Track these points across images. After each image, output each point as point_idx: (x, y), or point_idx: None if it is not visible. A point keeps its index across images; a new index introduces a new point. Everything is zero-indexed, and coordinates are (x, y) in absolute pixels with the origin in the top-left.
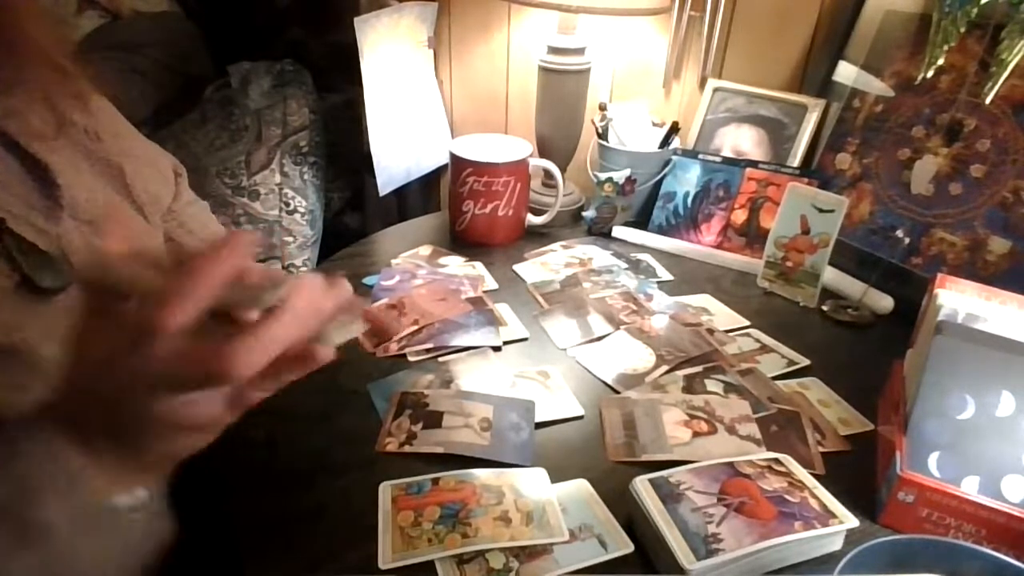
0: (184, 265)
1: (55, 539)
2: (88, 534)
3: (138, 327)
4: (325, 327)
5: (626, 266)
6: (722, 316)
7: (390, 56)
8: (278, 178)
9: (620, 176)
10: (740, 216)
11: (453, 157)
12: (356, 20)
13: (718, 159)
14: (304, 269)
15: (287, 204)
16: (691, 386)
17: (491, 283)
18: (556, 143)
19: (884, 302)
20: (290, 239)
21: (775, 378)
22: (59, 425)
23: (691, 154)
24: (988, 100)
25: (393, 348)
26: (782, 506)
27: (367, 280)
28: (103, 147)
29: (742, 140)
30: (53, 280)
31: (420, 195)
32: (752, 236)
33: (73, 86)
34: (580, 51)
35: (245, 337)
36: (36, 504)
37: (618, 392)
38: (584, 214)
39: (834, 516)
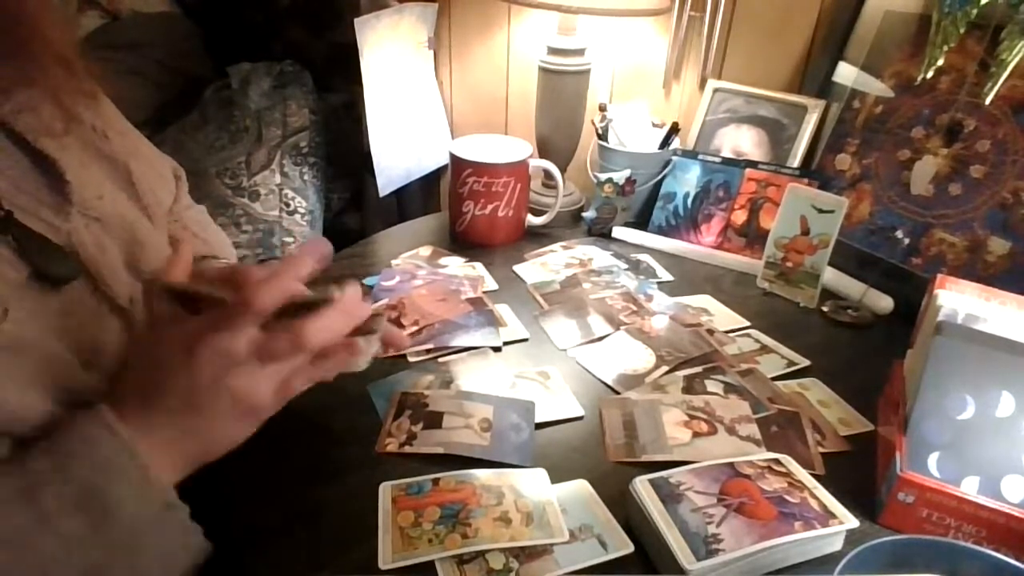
0: (269, 265)
1: (124, 528)
2: (152, 528)
3: (234, 307)
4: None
5: (626, 267)
6: (722, 317)
7: (390, 57)
8: (278, 179)
9: (620, 177)
10: (740, 217)
11: (453, 158)
12: (356, 21)
13: (718, 160)
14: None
15: (287, 205)
16: (691, 386)
17: (491, 284)
18: (556, 144)
19: (884, 302)
20: (290, 239)
21: (775, 378)
22: (122, 416)
23: (691, 155)
24: (988, 101)
25: (393, 348)
26: (782, 506)
27: (367, 281)
28: (110, 146)
29: (742, 141)
30: (63, 273)
31: (420, 196)
32: (752, 237)
33: (82, 83)
34: (580, 52)
35: (311, 318)
36: (112, 492)
37: (618, 392)
38: (584, 215)
39: (834, 516)
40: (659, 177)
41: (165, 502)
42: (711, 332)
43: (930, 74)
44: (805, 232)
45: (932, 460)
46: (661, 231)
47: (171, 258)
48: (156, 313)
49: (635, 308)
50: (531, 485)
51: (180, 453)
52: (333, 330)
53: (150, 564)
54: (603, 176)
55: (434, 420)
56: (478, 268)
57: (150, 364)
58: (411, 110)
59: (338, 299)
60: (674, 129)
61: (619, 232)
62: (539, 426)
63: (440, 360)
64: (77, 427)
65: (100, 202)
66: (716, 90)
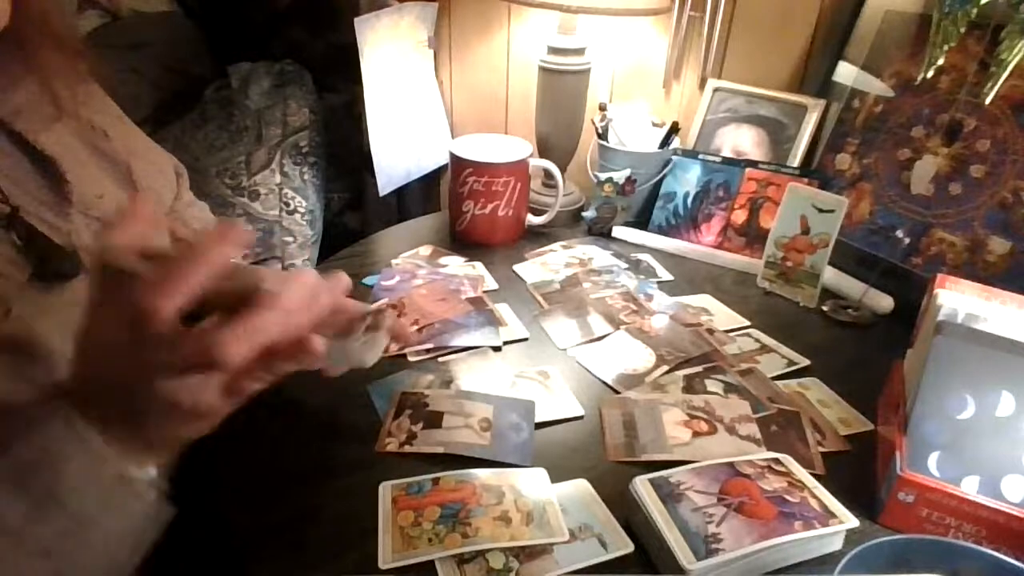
0: (176, 254)
1: (76, 509)
2: (108, 507)
3: (135, 311)
4: (350, 345)
5: (626, 266)
6: (722, 316)
7: (390, 56)
8: (278, 178)
9: (620, 176)
10: (740, 216)
11: (453, 157)
12: (356, 20)
13: (718, 159)
14: (307, 264)
15: (287, 204)
16: (691, 386)
17: (491, 283)
18: (556, 143)
19: (884, 302)
20: (290, 239)
21: (775, 378)
22: (76, 404)
23: (691, 154)
24: (988, 100)
25: (393, 348)
26: (782, 506)
27: (367, 280)
28: (111, 144)
29: (742, 140)
30: (65, 272)
31: (420, 195)
32: (752, 236)
33: (82, 81)
34: (580, 51)
35: (231, 325)
36: (58, 472)
37: (618, 392)
38: (584, 214)
39: (834, 516)
40: (659, 177)
41: (117, 475)
42: (711, 332)
43: (930, 74)
44: (805, 232)
45: (932, 460)
46: (661, 231)
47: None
48: (92, 286)
49: (635, 308)
50: (531, 485)
51: (135, 442)
52: (265, 333)
53: (109, 540)
54: (603, 176)
55: (434, 420)
56: (478, 268)
57: (84, 352)
58: (411, 110)
59: (265, 300)
60: (674, 129)
61: (619, 232)
62: (539, 426)
63: (440, 360)
64: (22, 408)
65: (100, 201)
66: (716, 90)
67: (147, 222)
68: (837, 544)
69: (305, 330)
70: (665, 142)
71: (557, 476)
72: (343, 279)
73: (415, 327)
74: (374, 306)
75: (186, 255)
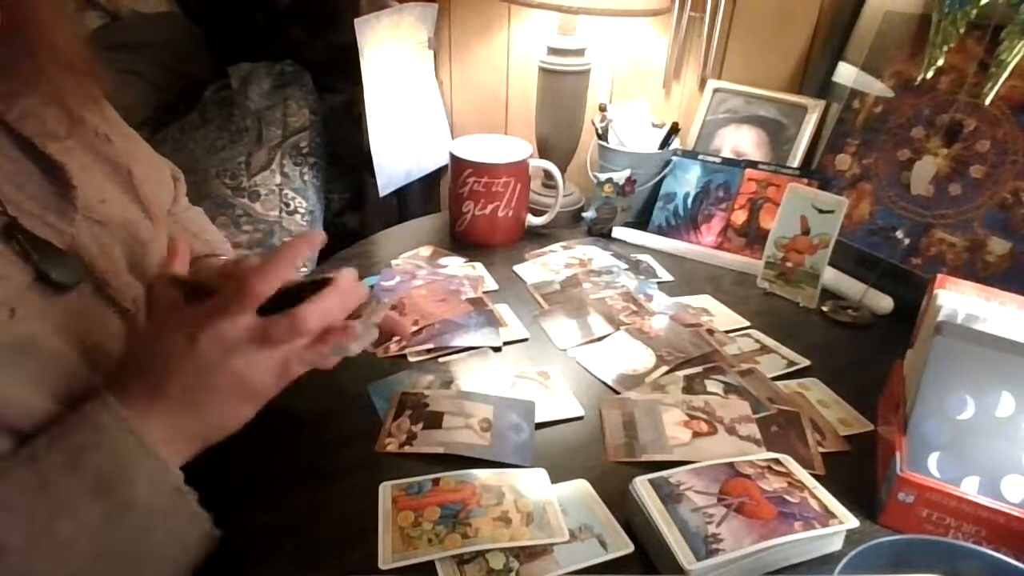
0: (268, 253)
1: (138, 513)
2: (164, 512)
3: (232, 295)
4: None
5: (626, 267)
6: (722, 316)
7: (390, 57)
8: (278, 179)
9: (620, 177)
10: (740, 217)
11: (453, 158)
12: (356, 21)
13: (718, 160)
14: (304, 269)
15: (287, 205)
16: (691, 386)
17: (491, 284)
18: (556, 144)
19: (884, 302)
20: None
21: (775, 379)
22: (130, 395)
23: (691, 155)
24: (988, 101)
25: (393, 348)
26: (782, 506)
27: (367, 280)
28: (113, 149)
29: (742, 141)
30: (67, 277)
31: (420, 196)
32: (752, 237)
33: (87, 88)
34: (580, 52)
35: (312, 302)
36: (127, 479)
37: (618, 392)
38: (584, 215)
39: (834, 516)
40: (659, 177)
41: (175, 487)
42: (711, 332)
43: (930, 74)
44: (805, 232)
45: (932, 460)
46: (661, 231)
47: (170, 252)
48: (157, 303)
49: (635, 308)
50: (531, 485)
51: (183, 437)
52: (331, 313)
53: (162, 548)
54: (603, 176)
55: (434, 420)
56: (478, 268)
57: (151, 352)
58: (411, 110)
59: (336, 282)
60: (674, 129)
61: (619, 232)
62: (539, 426)
63: (440, 360)
64: (87, 418)
65: (103, 205)
66: (716, 90)
67: (184, 257)
68: (837, 544)
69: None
70: (665, 143)
71: (557, 476)
72: (354, 272)
73: (415, 327)
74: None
75: (280, 251)
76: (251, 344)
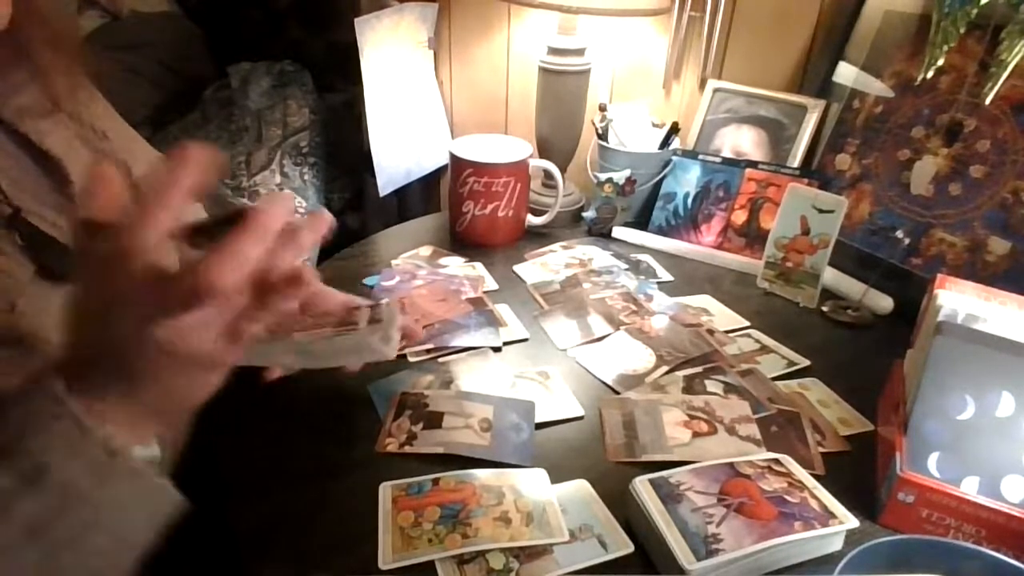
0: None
1: (61, 482)
2: (107, 485)
3: (114, 253)
4: (366, 339)
5: (626, 267)
6: (722, 316)
7: (390, 56)
8: (278, 179)
9: (620, 177)
10: (740, 217)
11: (453, 157)
12: (356, 20)
13: (718, 160)
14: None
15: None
16: (691, 386)
17: (491, 283)
18: (556, 143)
19: (884, 302)
20: None
21: (775, 379)
22: (65, 376)
23: (691, 155)
24: (988, 101)
25: None
26: (782, 506)
27: (367, 280)
28: (110, 146)
29: (742, 141)
30: (68, 270)
31: (420, 195)
32: (752, 237)
33: (84, 88)
34: (580, 52)
35: (215, 250)
36: (41, 445)
37: (618, 392)
38: (584, 215)
39: (834, 516)
40: (659, 177)
41: (106, 449)
42: (711, 332)
43: (930, 74)
44: (805, 232)
45: (932, 460)
46: (661, 231)
47: (94, 183)
48: (78, 261)
49: (635, 308)
50: (531, 485)
51: (134, 409)
52: (250, 255)
53: (106, 517)
54: (603, 176)
55: (434, 420)
56: (478, 268)
57: (76, 326)
58: (411, 110)
59: (246, 221)
60: (674, 129)
61: (619, 232)
62: (539, 426)
63: (440, 360)
64: (17, 386)
65: None
66: (716, 90)
67: (115, 188)
68: (837, 544)
69: (292, 259)
70: (665, 142)
71: (557, 476)
72: (324, 215)
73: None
74: (366, 302)
75: (154, 186)
76: (162, 308)
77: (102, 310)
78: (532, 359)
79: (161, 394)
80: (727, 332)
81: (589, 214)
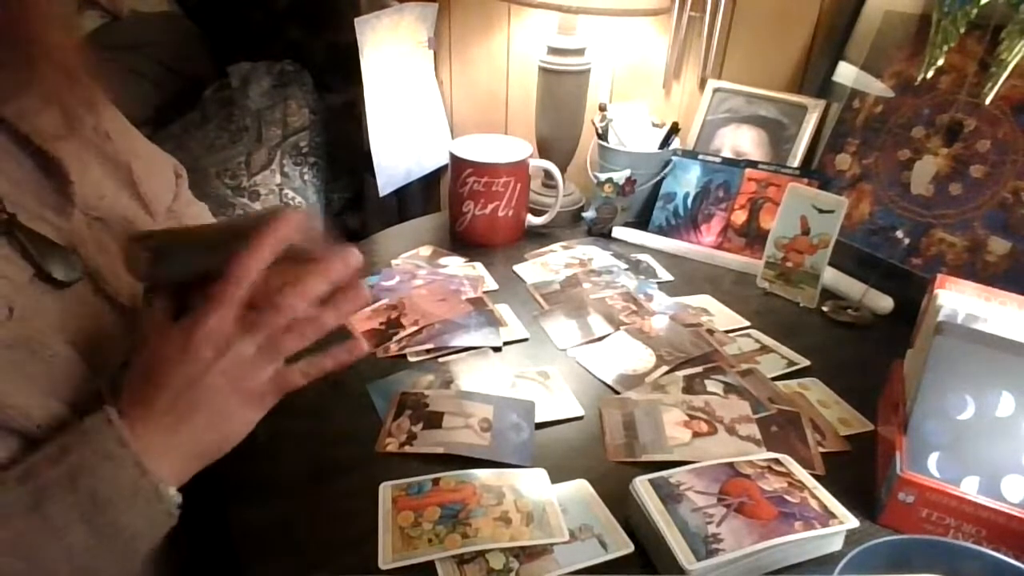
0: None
1: (126, 540)
2: (149, 536)
3: (217, 293)
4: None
5: (626, 267)
6: (722, 316)
7: (390, 56)
8: (278, 178)
9: (620, 176)
10: (740, 217)
11: (453, 157)
12: (356, 20)
13: (718, 160)
14: None
15: (287, 204)
16: (691, 386)
17: (491, 283)
18: (556, 143)
19: (884, 302)
20: None
21: (775, 378)
22: (132, 411)
23: (691, 155)
24: (988, 100)
25: (393, 348)
26: (782, 506)
27: (367, 280)
28: (112, 146)
29: (742, 141)
30: (66, 273)
31: (420, 195)
32: (752, 236)
33: (85, 88)
34: (580, 52)
35: (297, 288)
36: (120, 508)
37: (618, 392)
38: (584, 215)
39: (834, 516)
40: (659, 177)
41: (168, 513)
42: (711, 332)
43: (930, 74)
44: (805, 232)
45: (932, 460)
46: (661, 231)
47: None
48: (153, 318)
49: (635, 308)
50: (531, 485)
51: (180, 456)
52: (315, 293)
53: (128, 550)
54: (603, 176)
55: (434, 420)
56: (478, 268)
57: (147, 367)
58: (411, 110)
59: (321, 263)
60: (674, 129)
61: (619, 232)
62: (539, 426)
63: (440, 360)
64: (89, 437)
65: (102, 202)
66: (716, 90)
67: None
68: (837, 544)
69: (345, 315)
70: (665, 142)
71: (557, 476)
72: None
73: (415, 327)
74: None
75: (264, 237)
76: (243, 337)
77: (179, 354)
78: (532, 359)
79: (211, 431)
80: (727, 332)
81: (589, 214)
